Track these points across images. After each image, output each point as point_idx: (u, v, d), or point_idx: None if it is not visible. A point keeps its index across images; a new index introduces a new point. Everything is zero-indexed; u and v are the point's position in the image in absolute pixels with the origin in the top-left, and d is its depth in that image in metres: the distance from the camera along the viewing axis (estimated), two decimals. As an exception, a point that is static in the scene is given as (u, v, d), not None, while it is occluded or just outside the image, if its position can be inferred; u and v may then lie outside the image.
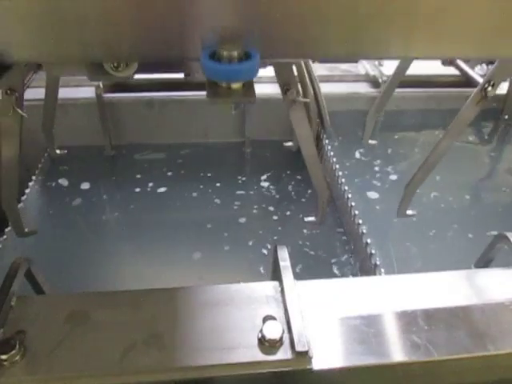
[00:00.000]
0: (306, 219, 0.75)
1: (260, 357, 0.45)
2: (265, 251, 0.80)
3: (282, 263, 0.53)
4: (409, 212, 0.82)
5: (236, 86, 0.47)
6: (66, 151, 0.96)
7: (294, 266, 0.53)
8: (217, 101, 0.47)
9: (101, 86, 0.96)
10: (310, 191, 0.93)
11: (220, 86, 0.46)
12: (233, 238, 0.84)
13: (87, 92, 1.00)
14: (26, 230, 0.68)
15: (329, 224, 0.86)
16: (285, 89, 0.55)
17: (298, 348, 0.45)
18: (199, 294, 0.51)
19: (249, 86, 0.47)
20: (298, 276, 0.52)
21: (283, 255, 0.54)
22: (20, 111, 0.53)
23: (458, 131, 0.64)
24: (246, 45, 0.44)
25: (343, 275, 0.73)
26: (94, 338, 0.47)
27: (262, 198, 0.94)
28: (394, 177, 0.89)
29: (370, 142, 0.90)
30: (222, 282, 0.53)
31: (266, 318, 0.48)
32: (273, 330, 0.46)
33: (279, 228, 0.87)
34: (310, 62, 0.98)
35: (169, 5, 0.41)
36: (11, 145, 0.57)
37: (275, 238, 0.84)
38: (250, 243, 0.83)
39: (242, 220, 0.89)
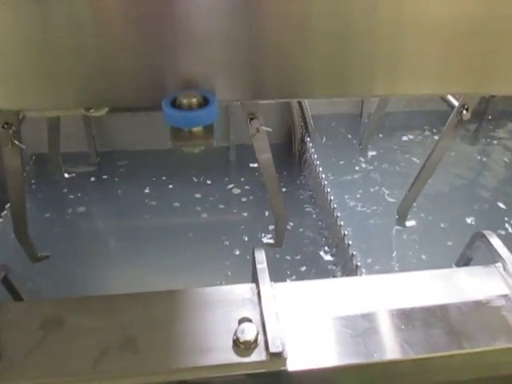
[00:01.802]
0: (265, 241, 0.78)
1: (234, 359, 0.45)
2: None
3: (258, 266, 0.53)
4: (408, 223, 0.83)
5: (196, 129, 0.49)
6: (74, 175, 0.99)
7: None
8: (179, 145, 0.50)
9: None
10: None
11: (182, 130, 0.49)
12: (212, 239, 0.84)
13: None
14: (39, 255, 0.71)
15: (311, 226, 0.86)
16: (249, 118, 0.57)
17: (272, 349, 0.45)
18: (175, 298, 0.51)
19: (208, 130, 0.49)
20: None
21: (260, 258, 0.54)
22: (18, 143, 0.55)
23: (441, 154, 0.72)
24: (205, 91, 0.49)
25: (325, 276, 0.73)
26: (68, 343, 0.47)
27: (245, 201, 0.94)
28: (377, 180, 0.89)
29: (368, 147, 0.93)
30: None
31: (241, 321, 0.48)
32: (247, 332, 0.46)
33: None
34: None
35: (134, 55, 0.47)
36: (16, 176, 0.59)
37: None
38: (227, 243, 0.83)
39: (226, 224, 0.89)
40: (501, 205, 0.87)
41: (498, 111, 1.13)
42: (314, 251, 0.81)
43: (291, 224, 0.87)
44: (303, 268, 0.78)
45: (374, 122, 0.96)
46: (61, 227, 0.88)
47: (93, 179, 1.01)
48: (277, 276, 0.75)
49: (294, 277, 0.75)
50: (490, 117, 1.11)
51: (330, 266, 0.78)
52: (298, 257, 0.80)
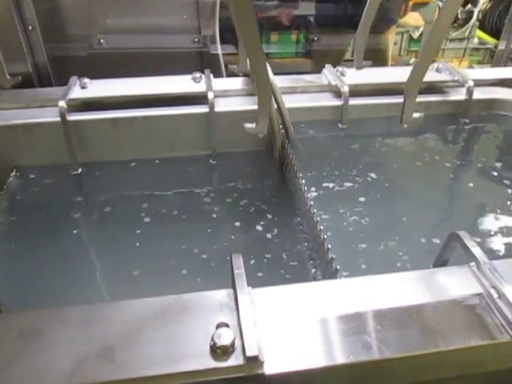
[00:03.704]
0: (247, 126, 0.77)
1: (211, 364, 0.46)
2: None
3: (236, 271, 0.54)
4: (415, 115, 0.80)
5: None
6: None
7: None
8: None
9: (64, 105, 0.97)
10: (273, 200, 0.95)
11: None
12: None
13: (52, 112, 1.00)
14: None
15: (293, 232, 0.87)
16: None
17: (249, 353, 0.45)
18: (152, 306, 0.51)
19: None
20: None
21: (237, 263, 0.55)
22: None
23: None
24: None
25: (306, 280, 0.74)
26: (45, 354, 0.47)
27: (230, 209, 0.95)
28: (357, 185, 0.90)
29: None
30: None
31: (218, 326, 0.49)
32: (224, 337, 0.47)
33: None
34: (271, 74, 1.00)
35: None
36: None
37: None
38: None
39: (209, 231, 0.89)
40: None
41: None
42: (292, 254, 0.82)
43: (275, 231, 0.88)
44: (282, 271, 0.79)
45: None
46: (38, 235, 0.88)
47: (73, 189, 1.01)
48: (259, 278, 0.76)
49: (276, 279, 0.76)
50: (466, 120, 1.13)
51: (312, 270, 0.79)
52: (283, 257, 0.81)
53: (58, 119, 0.98)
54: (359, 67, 1.09)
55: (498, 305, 0.53)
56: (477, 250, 0.58)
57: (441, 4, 3.20)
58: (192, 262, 0.81)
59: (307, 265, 0.81)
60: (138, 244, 0.87)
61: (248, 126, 0.85)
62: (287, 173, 0.99)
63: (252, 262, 0.81)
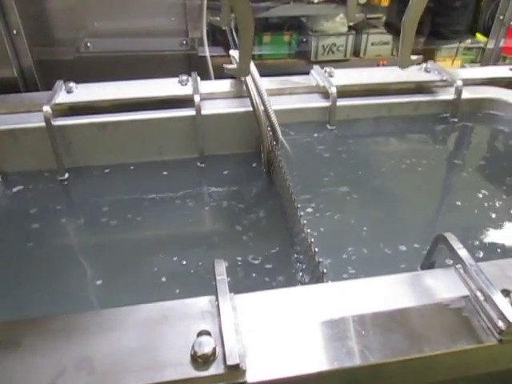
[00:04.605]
0: (227, 66, 0.76)
1: (192, 373, 0.45)
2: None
3: (218, 277, 0.53)
4: (413, 57, 0.78)
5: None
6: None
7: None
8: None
9: (49, 110, 0.96)
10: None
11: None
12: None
13: (37, 117, 0.99)
14: None
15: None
16: None
17: (229, 362, 0.44)
18: (133, 314, 0.51)
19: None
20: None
21: (220, 269, 0.54)
22: None
23: None
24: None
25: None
26: (23, 366, 0.46)
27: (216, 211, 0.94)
28: (344, 188, 0.90)
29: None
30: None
31: (199, 334, 0.48)
32: (205, 346, 0.46)
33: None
34: (258, 76, 0.99)
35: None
36: None
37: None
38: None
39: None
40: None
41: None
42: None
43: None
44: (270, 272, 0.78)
45: None
46: (20, 242, 0.87)
47: (60, 194, 1.00)
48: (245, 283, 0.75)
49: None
50: (455, 119, 1.13)
51: (299, 274, 0.78)
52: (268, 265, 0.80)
53: (43, 124, 0.97)
54: (351, 20, 1.03)
55: (484, 307, 0.53)
56: (463, 252, 0.58)
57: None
58: (174, 267, 0.80)
59: (294, 268, 0.80)
60: (125, 249, 0.86)
61: (229, 67, 0.83)
62: (275, 175, 0.98)
63: (237, 265, 0.80)
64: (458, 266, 0.58)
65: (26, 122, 1.01)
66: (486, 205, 0.87)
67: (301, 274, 0.77)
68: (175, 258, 0.82)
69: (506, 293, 0.53)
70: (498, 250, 0.76)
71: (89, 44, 1.33)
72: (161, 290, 0.77)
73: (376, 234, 0.79)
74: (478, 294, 0.54)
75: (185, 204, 0.96)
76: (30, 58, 1.23)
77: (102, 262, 0.84)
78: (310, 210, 0.83)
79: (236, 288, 0.54)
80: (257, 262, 0.81)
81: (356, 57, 2.99)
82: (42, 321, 0.51)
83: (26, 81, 1.25)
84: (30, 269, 0.81)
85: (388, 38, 2.97)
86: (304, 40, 2.58)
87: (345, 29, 2.89)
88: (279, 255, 0.82)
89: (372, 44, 2.99)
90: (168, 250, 0.85)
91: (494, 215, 0.84)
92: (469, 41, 3.48)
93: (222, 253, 0.85)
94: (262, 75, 1.01)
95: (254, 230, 0.89)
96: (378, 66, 2.93)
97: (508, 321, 0.49)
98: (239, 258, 0.81)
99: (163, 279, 0.78)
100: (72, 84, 1.05)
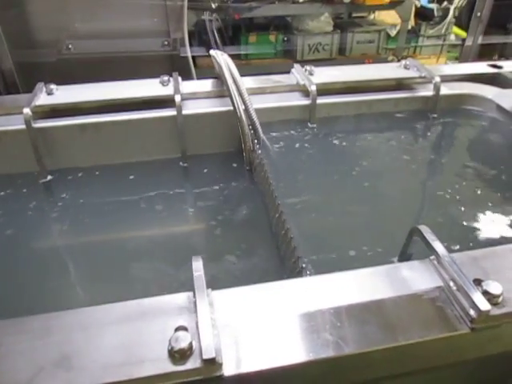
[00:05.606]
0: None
1: (170, 368, 0.46)
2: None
3: (195, 273, 0.54)
4: None
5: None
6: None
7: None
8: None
9: (29, 113, 0.96)
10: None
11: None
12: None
13: (18, 119, 0.99)
14: None
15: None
16: None
17: (206, 356, 0.45)
18: (110, 312, 0.51)
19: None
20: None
21: (197, 265, 0.55)
22: None
23: None
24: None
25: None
26: (1, 365, 0.46)
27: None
28: (326, 185, 0.91)
29: None
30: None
31: (177, 329, 0.49)
32: (181, 341, 0.46)
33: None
34: (238, 75, 1.00)
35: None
36: None
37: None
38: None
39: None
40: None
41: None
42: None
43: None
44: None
45: None
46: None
47: (41, 197, 1.00)
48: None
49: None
50: (435, 115, 1.14)
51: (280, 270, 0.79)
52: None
53: (24, 127, 0.97)
54: None
55: (457, 297, 0.54)
56: (437, 244, 0.59)
57: (417, 2, 3.23)
58: (155, 266, 0.81)
59: (275, 264, 0.81)
60: (108, 252, 0.86)
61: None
62: (257, 173, 0.99)
63: (218, 262, 0.81)
64: (432, 257, 0.59)
65: (6, 124, 1.01)
66: (461, 197, 0.88)
67: (281, 269, 0.78)
68: (157, 257, 0.83)
69: (477, 282, 0.55)
70: (473, 241, 0.78)
71: (70, 46, 1.33)
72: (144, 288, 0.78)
73: (354, 226, 0.80)
74: (451, 284, 0.55)
75: (168, 203, 0.97)
76: (10, 61, 1.23)
77: (86, 263, 0.84)
78: (291, 207, 0.84)
79: (214, 286, 0.54)
80: (238, 259, 0.81)
81: (342, 55, 3.02)
82: (19, 321, 0.51)
83: (6, 83, 1.24)
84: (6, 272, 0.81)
85: (373, 36, 3.00)
86: (289, 39, 2.58)
87: (330, 28, 2.91)
88: (260, 251, 0.83)
89: (357, 42, 3.01)
90: (150, 249, 0.85)
91: (470, 207, 0.85)
92: (453, 38, 3.52)
93: (203, 250, 0.86)
94: (247, 75, 1.02)
95: (236, 228, 0.89)
96: (364, 64, 2.95)
97: (479, 309, 0.51)
98: (220, 256, 0.82)
99: (145, 277, 0.79)
100: (53, 86, 1.05)
